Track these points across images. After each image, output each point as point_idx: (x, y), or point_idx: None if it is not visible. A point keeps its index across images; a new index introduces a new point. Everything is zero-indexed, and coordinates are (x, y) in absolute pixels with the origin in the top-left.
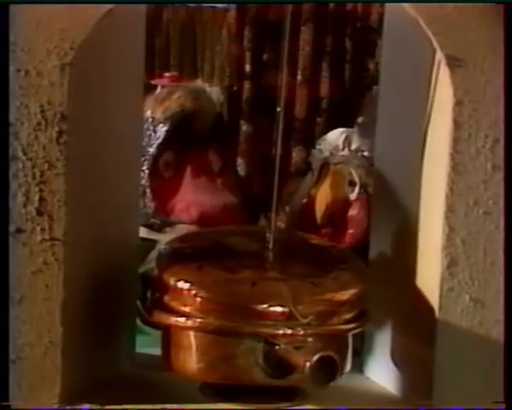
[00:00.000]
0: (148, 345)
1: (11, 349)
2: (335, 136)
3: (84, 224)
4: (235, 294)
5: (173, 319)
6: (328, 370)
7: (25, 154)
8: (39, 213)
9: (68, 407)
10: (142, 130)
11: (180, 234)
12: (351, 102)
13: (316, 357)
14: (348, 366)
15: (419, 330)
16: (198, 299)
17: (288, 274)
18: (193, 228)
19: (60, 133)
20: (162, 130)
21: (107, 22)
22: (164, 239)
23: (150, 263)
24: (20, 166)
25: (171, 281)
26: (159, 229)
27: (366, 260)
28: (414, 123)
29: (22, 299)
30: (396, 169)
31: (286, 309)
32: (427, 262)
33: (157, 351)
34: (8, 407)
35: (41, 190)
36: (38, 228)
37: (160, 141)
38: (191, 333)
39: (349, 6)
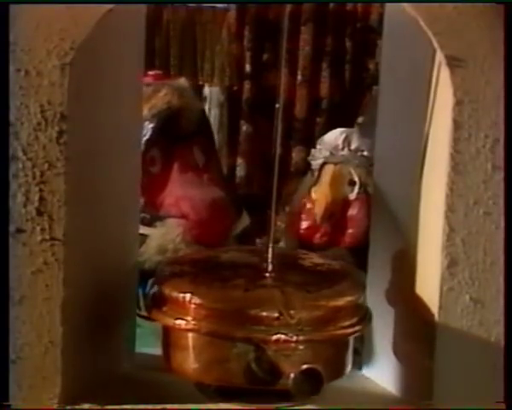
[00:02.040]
0: (147, 344)
1: (11, 349)
2: (335, 136)
3: (84, 224)
4: (228, 299)
5: (171, 321)
6: (312, 382)
7: (25, 154)
8: (39, 213)
9: (68, 407)
10: (141, 130)
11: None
12: (351, 102)
13: (300, 369)
14: (347, 370)
15: (419, 331)
16: (193, 306)
17: (283, 281)
18: (183, 222)
19: (60, 133)
20: (149, 127)
21: (107, 22)
22: (153, 233)
23: (141, 256)
24: (20, 166)
25: (167, 291)
26: (148, 223)
27: (366, 259)
28: (414, 123)
29: (22, 299)
30: (396, 169)
31: (278, 314)
32: (427, 262)
33: (157, 351)
34: (9, 407)
35: (41, 190)
36: (38, 228)
37: (146, 138)
38: (188, 335)
39: (349, 6)
